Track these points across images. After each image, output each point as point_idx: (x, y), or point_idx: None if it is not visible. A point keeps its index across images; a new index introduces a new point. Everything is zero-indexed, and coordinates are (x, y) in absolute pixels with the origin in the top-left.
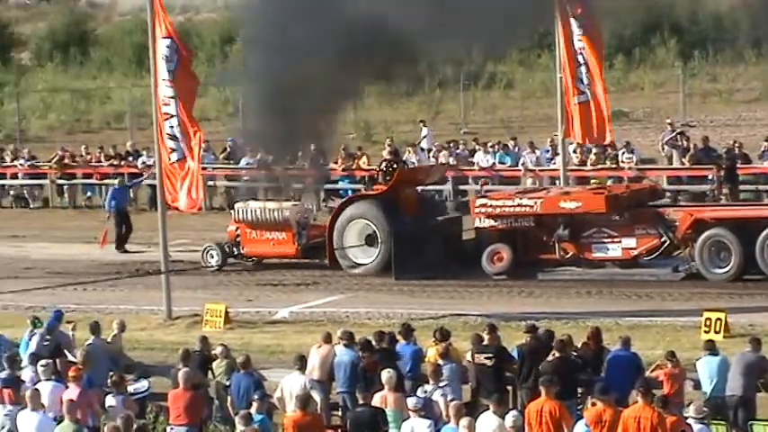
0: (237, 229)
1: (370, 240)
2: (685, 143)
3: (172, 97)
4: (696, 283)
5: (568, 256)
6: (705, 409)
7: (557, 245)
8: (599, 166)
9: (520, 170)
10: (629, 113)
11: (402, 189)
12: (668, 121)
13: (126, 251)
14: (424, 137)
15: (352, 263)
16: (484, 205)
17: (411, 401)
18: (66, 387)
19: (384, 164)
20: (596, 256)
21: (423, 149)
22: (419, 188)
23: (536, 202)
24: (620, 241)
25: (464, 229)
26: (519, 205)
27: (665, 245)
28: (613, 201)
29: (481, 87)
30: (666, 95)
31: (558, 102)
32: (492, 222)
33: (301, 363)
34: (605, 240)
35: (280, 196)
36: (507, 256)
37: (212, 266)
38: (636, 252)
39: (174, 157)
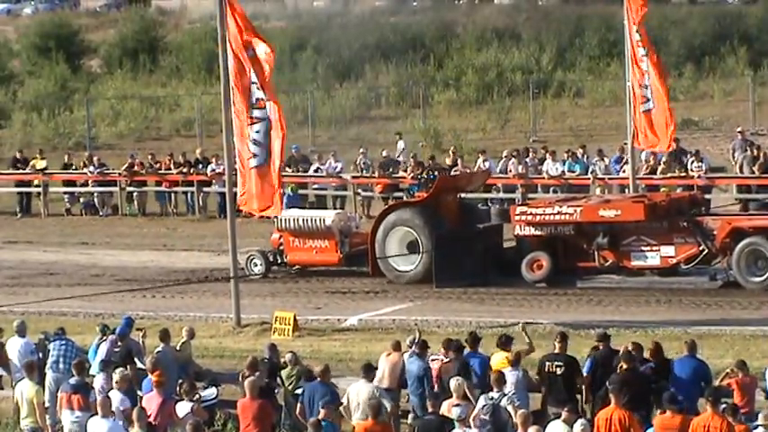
0: (281, 237)
1: (412, 248)
2: (756, 152)
3: (264, 99)
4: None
5: (607, 263)
6: None
7: (596, 253)
8: (668, 175)
9: (589, 178)
10: (699, 122)
11: (443, 197)
12: (738, 129)
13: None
14: (402, 150)
15: (393, 271)
16: (524, 213)
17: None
18: (136, 395)
19: (425, 172)
20: (635, 264)
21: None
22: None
23: (576, 210)
24: (658, 249)
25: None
26: (559, 213)
27: (704, 253)
28: (652, 209)
29: (550, 96)
30: (736, 104)
31: (627, 110)
32: (532, 230)
33: (368, 371)
34: (644, 248)
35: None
36: (547, 263)
37: (256, 275)
38: (674, 260)
39: (254, 162)
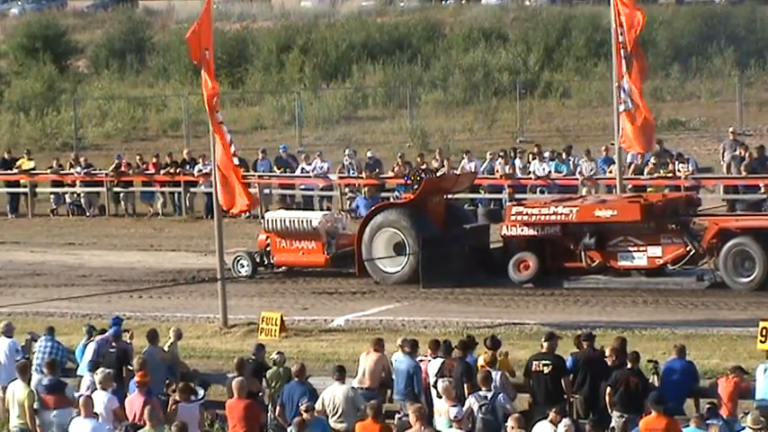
0: (267, 238)
1: (399, 249)
2: (742, 152)
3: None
4: (754, 293)
5: (594, 264)
6: (762, 419)
7: (583, 253)
8: (655, 175)
9: (576, 179)
10: (686, 122)
11: (430, 198)
12: (730, 129)
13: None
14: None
15: (380, 272)
16: (520, 213)
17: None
18: (125, 397)
19: (412, 173)
20: (622, 265)
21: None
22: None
23: (572, 211)
24: (645, 250)
25: (492, 238)
26: (555, 213)
27: (691, 254)
28: (648, 210)
29: (537, 96)
30: (723, 104)
31: (614, 110)
32: (520, 230)
33: (340, 373)
34: (631, 249)
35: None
36: (533, 264)
37: (242, 276)
38: (661, 261)
39: (237, 160)
